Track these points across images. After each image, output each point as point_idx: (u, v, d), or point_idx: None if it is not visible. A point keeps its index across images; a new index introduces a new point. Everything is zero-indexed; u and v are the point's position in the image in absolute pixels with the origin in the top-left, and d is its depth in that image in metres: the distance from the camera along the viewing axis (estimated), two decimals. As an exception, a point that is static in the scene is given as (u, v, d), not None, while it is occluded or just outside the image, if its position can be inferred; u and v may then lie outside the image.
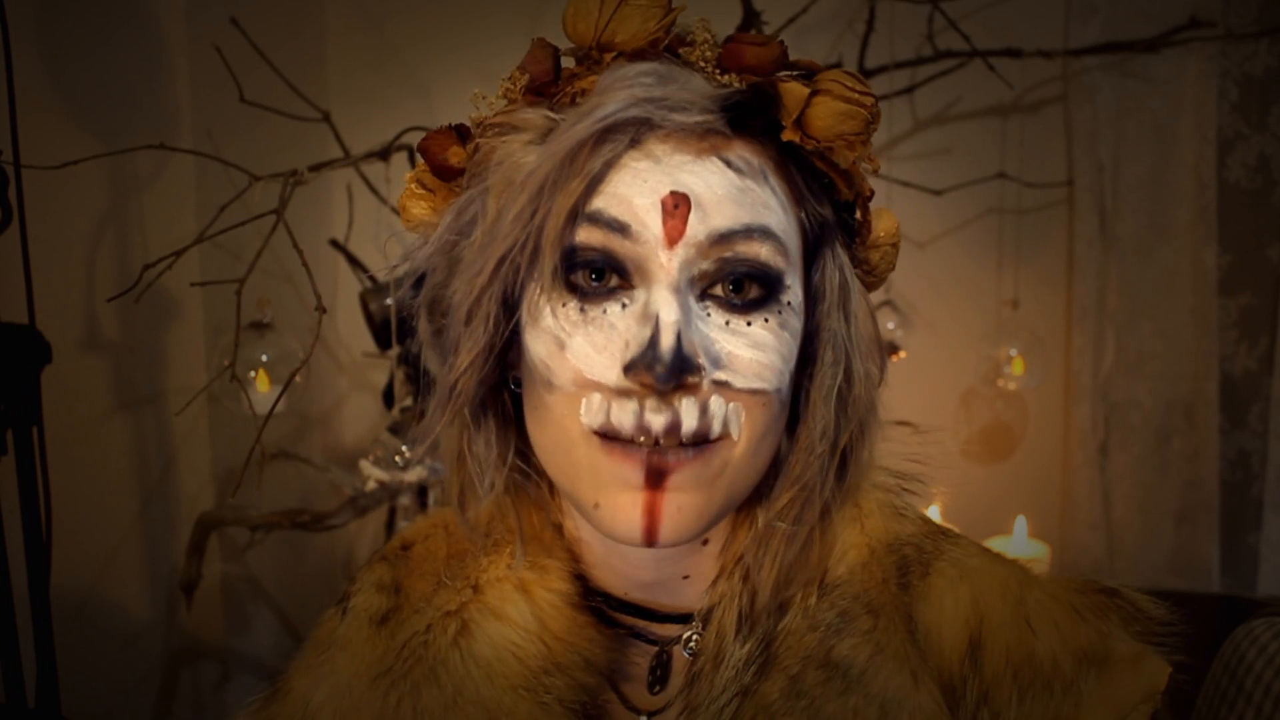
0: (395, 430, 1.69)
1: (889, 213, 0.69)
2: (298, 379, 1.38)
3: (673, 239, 0.58)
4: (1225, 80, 2.00)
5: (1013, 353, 1.99)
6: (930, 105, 2.09)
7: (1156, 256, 2.06)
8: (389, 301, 1.67)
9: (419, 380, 0.70)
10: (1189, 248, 2.04)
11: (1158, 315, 2.07)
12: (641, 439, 0.58)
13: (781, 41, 0.61)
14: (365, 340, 1.84)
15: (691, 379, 0.57)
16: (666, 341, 0.56)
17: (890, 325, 1.95)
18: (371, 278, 1.80)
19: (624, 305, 0.59)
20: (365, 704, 0.68)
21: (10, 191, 1.07)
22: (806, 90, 0.60)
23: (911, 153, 2.12)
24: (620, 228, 0.58)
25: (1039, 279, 2.13)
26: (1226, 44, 1.97)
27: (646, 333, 0.57)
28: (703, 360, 0.58)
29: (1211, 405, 2.04)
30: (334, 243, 1.89)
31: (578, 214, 0.59)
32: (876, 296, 2.00)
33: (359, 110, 1.91)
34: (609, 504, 0.60)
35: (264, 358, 1.57)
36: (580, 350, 0.59)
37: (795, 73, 0.62)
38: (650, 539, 0.59)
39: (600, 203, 0.58)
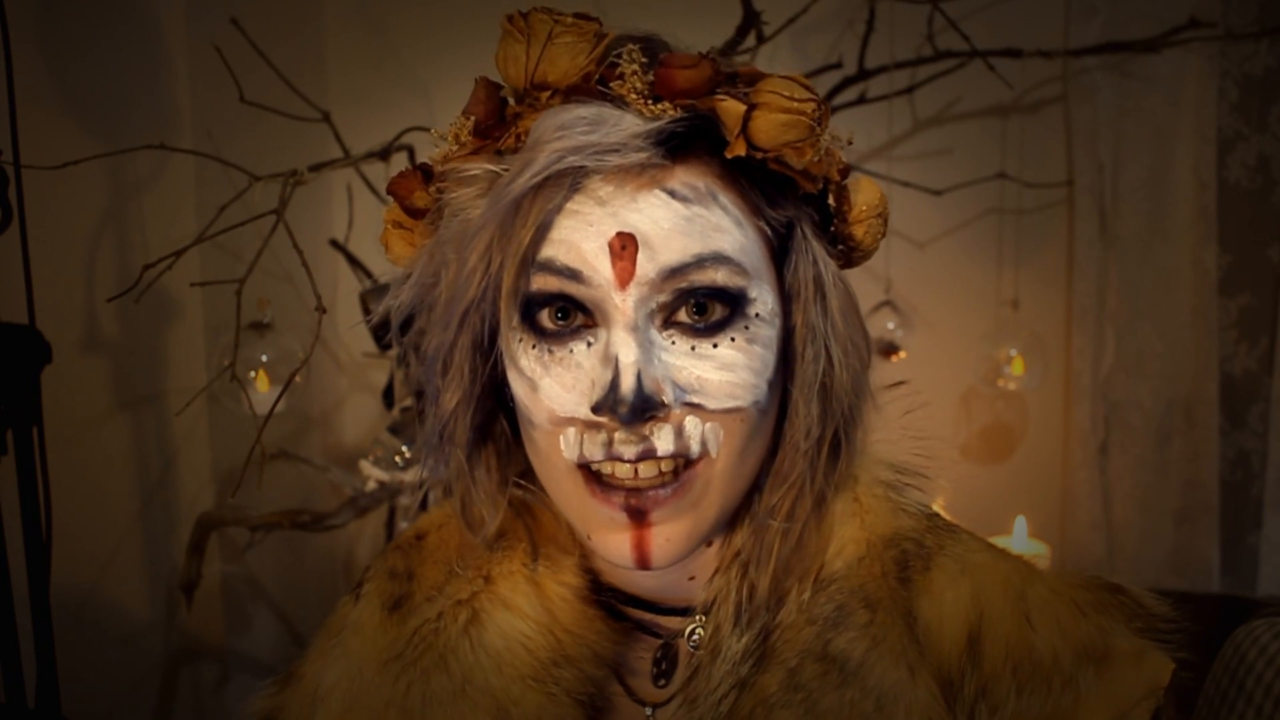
0: (395, 430, 1.70)
1: (869, 181, 0.68)
2: (298, 379, 1.38)
3: (624, 281, 0.58)
4: (1225, 80, 2.00)
5: (1013, 353, 1.99)
6: (930, 105, 2.09)
7: (1156, 256, 2.06)
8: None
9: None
10: (1189, 248, 2.04)
11: (1158, 315, 2.07)
12: (617, 471, 0.60)
13: (713, 59, 0.60)
14: (365, 340, 1.84)
15: (656, 414, 0.59)
16: (627, 383, 0.57)
17: (890, 325, 1.95)
18: (372, 278, 1.80)
19: (589, 344, 0.60)
20: (375, 688, 0.69)
21: (10, 191, 1.07)
22: (744, 106, 0.60)
23: (911, 153, 2.12)
24: (572, 274, 0.59)
25: (1039, 279, 2.13)
26: (1226, 44, 1.97)
27: (608, 375, 0.58)
28: (666, 396, 0.59)
29: (1211, 405, 2.04)
30: (334, 243, 1.89)
31: (530, 264, 0.60)
32: (876, 296, 2.00)
33: (359, 110, 1.91)
34: (599, 539, 0.63)
35: (264, 358, 1.58)
36: (550, 391, 0.61)
37: (736, 83, 0.61)
38: (643, 567, 0.62)
39: (550, 251, 0.59)
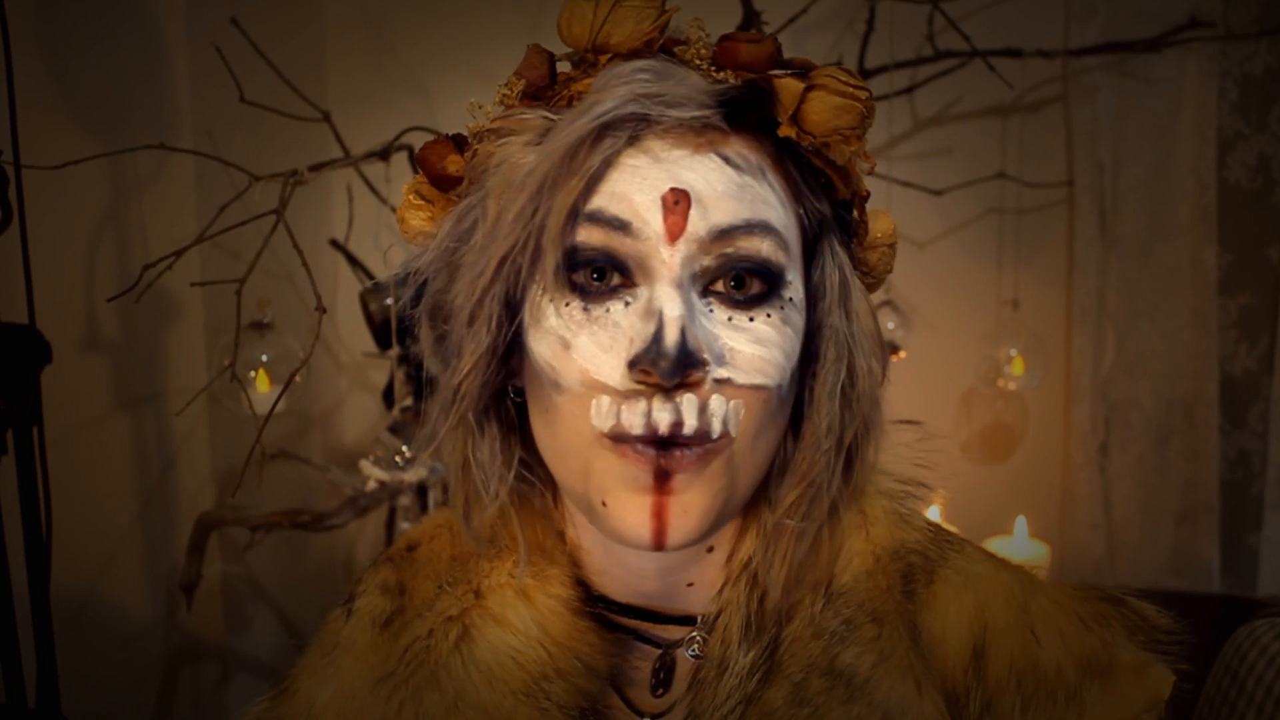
0: (395, 430, 1.69)
1: (885, 214, 0.69)
2: (298, 379, 1.38)
3: (674, 235, 0.58)
4: (1225, 80, 2.00)
5: (1013, 353, 1.99)
6: (930, 105, 2.09)
7: (1156, 256, 2.06)
8: (389, 301, 1.67)
9: (419, 380, 0.70)
10: (1189, 248, 2.04)
11: (1158, 315, 2.07)
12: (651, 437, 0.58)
13: (775, 38, 0.62)
14: (365, 340, 1.84)
15: (695, 374, 0.57)
16: (671, 337, 0.56)
17: (890, 325, 1.95)
18: (372, 278, 1.80)
19: (627, 303, 0.59)
20: (368, 708, 0.68)
21: (10, 191, 1.07)
22: (802, 85, 0.60)
23: (911, 153, 2.12)
24: (621, 226, 0.58)
25: (1039, 279, 2.14)
26: (1226, 44, 1.97)
27: (650, 328, 0.56)
28: (707, 355, 0.57)
29: (1211, 405, 2.04)
30: (334, 243, 1.89)
31: (578, 213, 0.58)
32: (876, 296, 1.98)
33: (359, 110, 1.91)
34: (616, 505, 0.59)
35: (264, 358, 1.58)
36: (586, 350, 0.59)
37: (790, 70, 0.62)
38: (658, 541, 0.59)
39: (600, 201, 0.58)
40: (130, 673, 1.61)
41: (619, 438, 0.59)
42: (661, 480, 0.58)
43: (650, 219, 0.58)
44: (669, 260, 0.58)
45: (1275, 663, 1.04)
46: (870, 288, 0.70)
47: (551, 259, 0.58)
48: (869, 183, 0.67)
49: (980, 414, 2.23)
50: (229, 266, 1.55)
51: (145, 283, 1.24)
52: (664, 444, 0.58)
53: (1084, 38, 2.00)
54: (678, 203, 0.58)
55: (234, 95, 1.50)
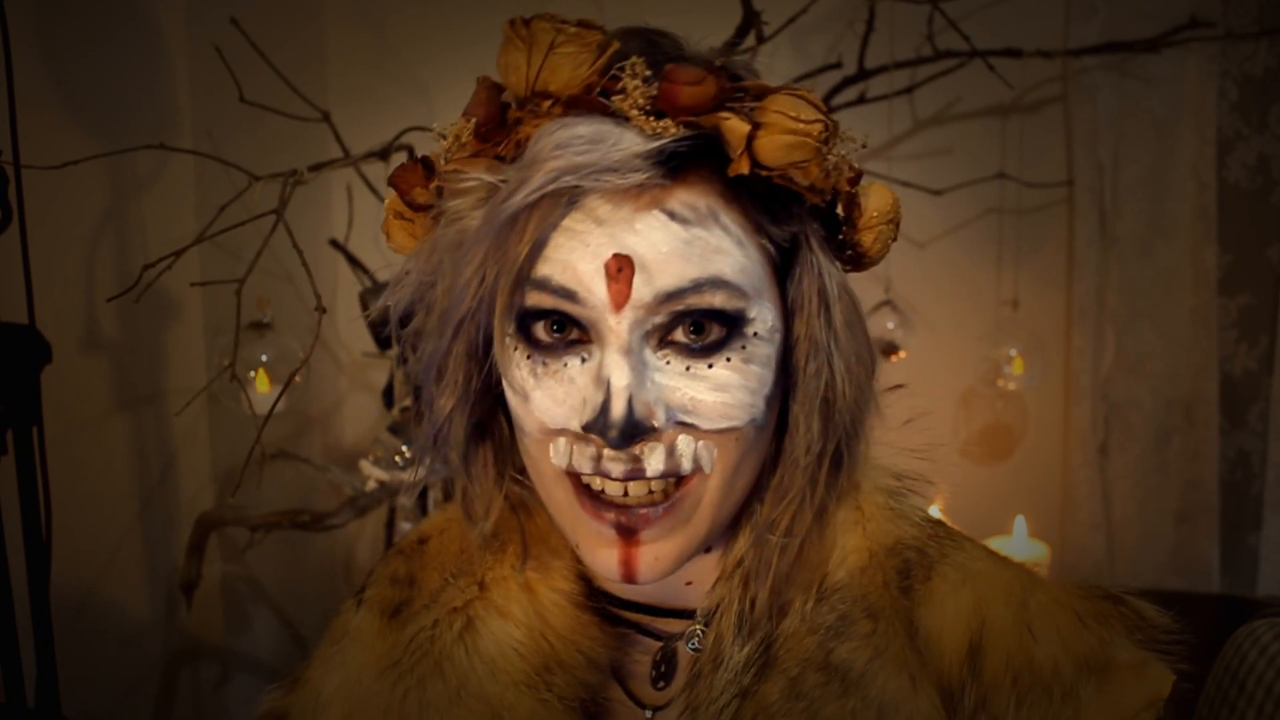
0: (395, 430, 1.70)
1: (881, 188, 0.65)
2: (298, 379, 1.38)
3: (619, 303, 0.58)
4: (1225, 80, 2.00)
5: (1013, 353, 1.99)
6: (930, 105, 2.09)
7: (1156, 256, 2.06)
8: (389, 303, 1.67)
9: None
10: (1189, 248, 2.04)
11: (1158, 315, 2.07)
12: (608, 489, 0.61)
13: (719, 75, 0.58)
14: (365, 340, 1.84)
15: (648, 439, 0.59)
16: (617, 409, 0.57)
17: (890, 325, 1.95)
18: (372, 278, 1.80)
19: (583, 360, 0.60)
20: (373, 695, 0.69)
21: (10, 191, 1.07)
22: (747, 127, 0.58)
23: (911, 153, 2.11)
24: (568, 295, 0.58)
25: (1039, 279, 2.13)
26: (1226, 44, 1.97)
27: (600, 398, 0.58)
28: (658, 420, 0.58)
29: (1211, 405, 2.04)
30: (334, 243, 1.89)
31: (525, 280, 0.59)
32: (876, 296, 2.00)
33: (359, 110, 1.91)
34: (587, 551, 0.63)
35: (264, 358, 1.58)
36: (541, 404, 0.60)
37: (743, 98, 0.59)
38: (630, 582, 0.62)
39: (546, 269, 0.58)
40: (130, 673, 1.62)
41: (575, 476, 0.61)
42: (627, 534, 0.61)
43: (595, 288, 0.58)
44: (616, 328, 0.58)
45: (1275, 663, 1.04)
46: (865, 267, 0.68)
47: (502, 326, 0.60)
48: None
49: (980, 414, 2.22)
50: (229, 266, 1.55)
51: (145, 283, 1.24)
52: (624, 506, 0.61)
53: (1084, 38, 2.00)
54: (620, 270, 0.57)
55: (234, 95, 1.50)
